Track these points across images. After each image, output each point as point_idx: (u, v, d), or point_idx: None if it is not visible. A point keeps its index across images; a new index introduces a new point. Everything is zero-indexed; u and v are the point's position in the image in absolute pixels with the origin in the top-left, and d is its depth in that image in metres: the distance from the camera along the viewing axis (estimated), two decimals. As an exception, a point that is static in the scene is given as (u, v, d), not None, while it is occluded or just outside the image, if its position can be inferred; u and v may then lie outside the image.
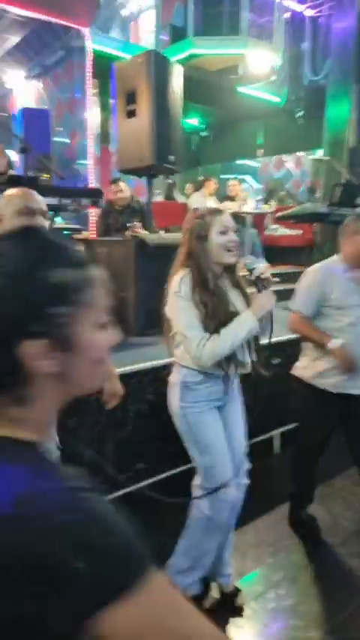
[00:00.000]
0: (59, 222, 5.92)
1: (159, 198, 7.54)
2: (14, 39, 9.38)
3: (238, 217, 6.04)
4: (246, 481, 1.90)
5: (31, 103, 10.28)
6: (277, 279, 1.79)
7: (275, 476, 3.08)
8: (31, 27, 8.41)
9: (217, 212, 1.71)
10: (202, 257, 1.65)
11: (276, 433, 3.32)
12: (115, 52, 6.32)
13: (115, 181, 4.17)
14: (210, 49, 6.65)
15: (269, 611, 1.93)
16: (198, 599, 1.86)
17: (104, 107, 7.09)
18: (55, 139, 9.23)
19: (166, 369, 2.15)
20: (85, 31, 5.12)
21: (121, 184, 4.13)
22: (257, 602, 1.97)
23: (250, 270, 1.70)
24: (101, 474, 2.07)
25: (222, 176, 10.43)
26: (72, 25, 5.38)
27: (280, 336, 3.33)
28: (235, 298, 1.74)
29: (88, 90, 5.42)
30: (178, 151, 3.46)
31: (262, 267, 1.70)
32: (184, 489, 2.11)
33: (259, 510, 2.59)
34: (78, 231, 3.95)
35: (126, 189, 4.15)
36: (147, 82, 3.15)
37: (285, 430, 3.33)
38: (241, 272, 1.79)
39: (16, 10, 5.13)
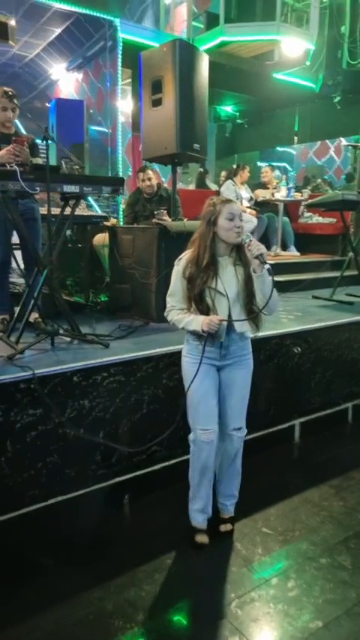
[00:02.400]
0: (94, 209, 6.04)
1: (191, 186, 7.54)
2: (57, 31, 9.52)
3: (270, 205, 5.98)
4: (239, 434, 2.20)
5: (73, 94, 10.43)
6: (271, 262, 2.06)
7: (292, 465, 3.08)
8: (73, 18, 8.53)
9: (227, 201, 2.02)
10: (207, 238, 1.98)
11: (296, 422, 3.31)
12: (147, 42, 6.31)
13: (143, 169, 4.21)
14: (241, 36, 6.52)
15: (273, 599, 1.94)
16: (195, 531, 2.21)
17: (136, 96, 7.13)
18: (97, 128, 9.37)
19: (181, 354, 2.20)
20: (116, 21, 5.13)
21: (149, 172, 4.16)
22: (261, 589, 1.98)
23: (243, 243, 1.99)
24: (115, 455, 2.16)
25: (259, 163, 10.30)
26: (103, 16, 5.41)
27: (305, 324, 3.32)
28: (230, 276, 2.03)
29: (118, 79, 5.44)
30: (203, 139, 3.45)
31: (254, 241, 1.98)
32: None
33: (272, 499, 2.61)
34: (105, 218, 4.01)
35: (154, 177, 4.18)
36: (172, 70, 3.14)
37: (305, 420, 3.32)
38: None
39: (49, 2, 5.21)
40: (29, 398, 2.15)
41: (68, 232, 4.03)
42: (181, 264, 2.05)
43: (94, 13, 5.56)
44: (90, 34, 8.41)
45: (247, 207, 5.96)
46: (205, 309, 1.99)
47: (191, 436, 2.15)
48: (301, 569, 2.10)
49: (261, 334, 2.95)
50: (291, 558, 2.17)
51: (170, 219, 3.66)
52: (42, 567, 2.08)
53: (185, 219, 3.58)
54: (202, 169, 7.15)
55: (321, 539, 2.30)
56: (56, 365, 2.30)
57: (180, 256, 2.07)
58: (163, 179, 7.04)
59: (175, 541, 2.24)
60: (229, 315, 2.02)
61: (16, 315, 2.89)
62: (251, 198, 6.11)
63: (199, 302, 1.99)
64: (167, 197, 4.11)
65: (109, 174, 6.20)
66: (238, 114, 10.30)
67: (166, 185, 4.56)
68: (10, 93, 2.88)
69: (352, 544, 2.26)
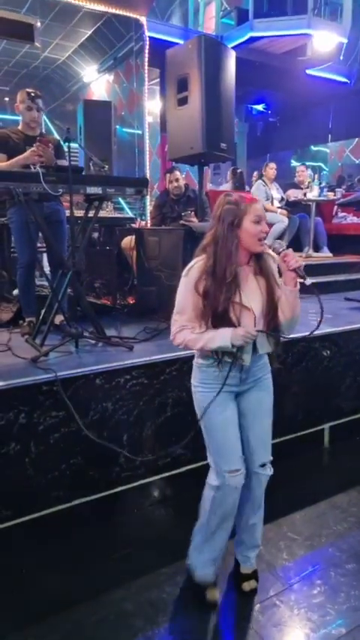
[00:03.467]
0: (125, 211, 6.09)
1: (225, 186, 7.47)
2: (87, 32, 9.65)
3: (302, 205, 5.87)
4: (266, 472, 1.88)
5: (104, 96, 10.54)
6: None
7: (321, 470, 3.01)
8: (103, 19, 8.62)
9: (251, 200, 1.69)
10: (231, 245, 1.63)
11: (326, 427, 3.22)
12: (175, 40, 6.30)
13: (170, 170, 4.20)
14: (270, 31, 6.39)
15: (296, 604, 1.90)
16: (204, 587, 1.89)
17: (164, 96, 7.12)
18: (128, 130, 9.43)
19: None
20: (142, 19, 5.13)
21: (177, 173, 4.14)
22: (284, 595, 1.94)
23: (278, 253, 1.71)
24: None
25: (293, 163, 10.12)
26: (129, 15, 5.42)
27: (334, 327, 3.23)
28: (252, 288, 1.71)
29: (145, 79, 5.45)
30: (230, 139, 3.40)
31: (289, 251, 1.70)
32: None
33: (298, 504, 2.55)
34: (132, 220, 4.03)
35: (181, 178, 4.16)
36: (198, 67, 3.10)
37: (335, 424, 3.23)
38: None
39: (77, 3, 5.25)
40: (52, 400, 2.17)
41: (95, 234, 4.07)
42: (192, 276, 1.67)
43: (121, 12, 5.57)
44: (121, 35, 8.47)
45: (279, 207, 5.88)
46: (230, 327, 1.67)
47: (214, 481, 1.79)
48: (326, 575, 2.05)
49: (288, 337, 2.92)
50: (316, 564, 2.12)
51: (197, 221, 3.64)
52: (63, 567, 2.09)
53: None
54: (239, 170, 7.07)
55: (348, 545, 2.24)
56: (79, 367, 2.31)
57: (189, 266, 1.71)
58: (195, 181, 7.02)
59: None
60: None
61: (41, 318, 2.93)
62: (282, 199, 6.01)
63: (220, 320, 1.65)
64: (195, 198, 4.09)
65: (133, 176, 6.22)
66: (270, 112, 10.15)
67: (194, 188, 4.54)
68: (32, 94, 2.92)
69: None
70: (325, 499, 2.60)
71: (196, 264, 1.69)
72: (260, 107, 10.14)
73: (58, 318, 2.91)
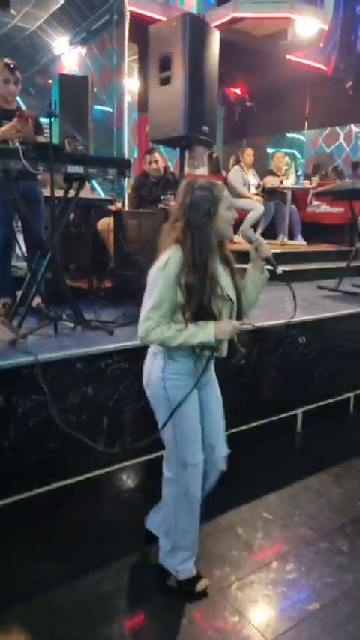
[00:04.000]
0: (97, 192, 5.96)
1: (201, 170, 7.41)
2: (59, 1, 9.27)
3: (278, 192, 5.89)
4: (221, 467, 1.87)
5: (76, 70, 10.20)
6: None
7: (294, 454, 3.10)
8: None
9: (221, 185, 1.64)
10: (207, 233, 1.58)
11: (299, 411, 3.31)
12: (156, 16, 6.11)
13: (150, 152, 4.14)
14: (252, 13, 6.29)
15: (272, 581, 1.97)
16: (192, 581, 1.87)
17: (143, 74, 6.94)
18: (100, 107, 9.16)
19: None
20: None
21: (156, 155, 4.09)
22: (261, 572, 2.01)
23: (251, 242, 1.75)
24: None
25: (270, 149, 10.10)
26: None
27: (310, 314, 3.29)
28: (224, 276, 1.69)
29: (124, 55, 5.30)
30: (213, 122, 3.35)
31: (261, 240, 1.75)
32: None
33: (273, 486, 2.62)
34: (110, 202, 3.96)
35: (160, 160, 4.11)
36: (182, 46, 3.02)
37: (307, 409, 3.32)
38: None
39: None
40: (32, 384, 2.14)
41: (71, 216, 3.98)
42: (171, 269, 1.57)
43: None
44: (94, 7, 8.18)
45: (255, 193, 5.88)
46: (210, 320, 1.63)
47: (173, 475, 1.76)
48: (300, 554, 2.13)
49: (266, 324, 2.97)
50: (291, 543, 2.20)
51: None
52: (41, 550, 2.09)
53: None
54: (215, 154, 7.01)
55: (320, 524, 2.33)
56: (59, 351, 2.28)
57: (164, 258, 1.59)
58: (170, 163, 6.92)
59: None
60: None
61: (18, 300, 2.86)
62: (259, 185, 6.02)
63: (204, 313, 1.60)
64: (174, 182, 4.04)
65: (115, 156, 6.09)
66: (247, 96, 10.05)
67: (172, 170, 4.49)
68: (11, 65, 2.80)
69: (350, 530, 2.30)
70: (298, 481, 2.69)
71: (173, 255, 1.59)
72: (238, 91, 10.02)
73: (36, 301, 2.85)
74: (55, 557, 2.06)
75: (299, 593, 1.91)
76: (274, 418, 3.14)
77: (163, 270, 1.58)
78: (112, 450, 2.36)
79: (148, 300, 1.61)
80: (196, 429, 1.75)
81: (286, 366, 3.12)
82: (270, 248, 1.74)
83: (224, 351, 1.75)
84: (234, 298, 1.70)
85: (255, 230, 5.80)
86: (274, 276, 1.76)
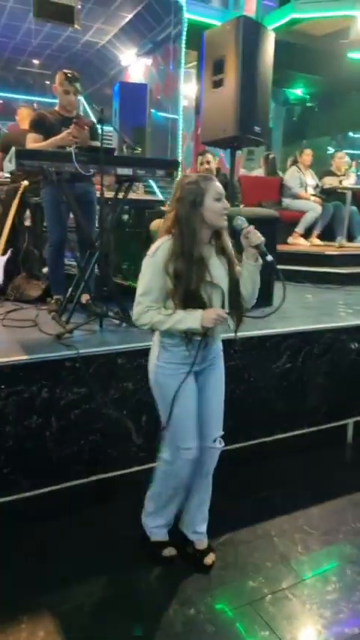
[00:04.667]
0: (156, 194, 6.07)
1: (257, 172, 7.35)
2: (128, 16, 9.61)
3: (337, 193, 5.70)
4: (218, 446, 1.92)
5: (142, 80, 10.50)
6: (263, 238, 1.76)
7: (342, 466, 2.95)
8: (144, 2, 8.55)
9: (210, 178, 1.72)
10: (193, 223, 1.65)
11: (350, 422, 3.16)
12: (215, 22, 6.15)
13: (202, 153, 4.15)
14: (313, 12, 6.16)
15: (308, 599, 1.87)
16: (161, 545, 1.98)
17: (200, 79, 7.01)
18: (162, 113, 9.37)
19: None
20: (181, 1, 5.02)
21: (208, 156, 4.09)
22: (296, 588, 1.92)
23: (240, 230, 1.76)
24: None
25: (330, 150, 9.83)
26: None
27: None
28: (217, 266, 1.74)
29: (182, 62, 5.36)
30: (265, 122, 3.32)
31: (250, 227, 1.74)
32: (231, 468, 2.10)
33: (317, 498, 2.51)
34: (162, 203, 4.00)
35: (213, 161, 4.11)
36: (235, 49, 3.04)
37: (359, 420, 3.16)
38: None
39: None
40: (74, 376, 2.19)
41: (125, 216, 4.07)
42: (159, 257, 1.66)
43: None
44: (160, 18, 8.41)
45: (312, 194, 5.74)
46: (200, 307, 1.68)
47: (167, 456, 1.87)
48: (342, 573, 2.01)
49: (313, 327, 2.87)
50: (332, 560, 2.08)
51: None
52: (75, 539, 2.13)
53: (242, 206, 3.49)
54: (272, 155, 6.92)
55: (366, 544, 2.18)
56: (102, 346, 2.33)
57: (154, 246, 1.69)
58: (228, 166, 6.91)
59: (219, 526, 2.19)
60: (223, 308, 1.76)
61: (68, 296, 2.95)
62: (317, 186, 5.87)
63: (192, 299, 1.66)
64: (226, 183, 4.03)
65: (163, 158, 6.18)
66: (308, 97, 9.84)
67: (225, 172, 4.48)
68: (70, 75, 2.91)
69: None
70: (345, 495, 2.55)
71: (163, 244, 1.67)
72: (299, 91, 9.84)
73: (85, 297, 2.93)
74: (91, 548, 2.09)
75: (337, 614, 1.79)
76: (322, 427, 3.02)
77: (152, 258, 1.68)
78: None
79: (139, 287, 1.71)
80: (189, 414, 1.81)
81: (335, 373, 3.00)
82: (261, 236, 1.74)
83: (216, 335, 1.81)
84: (224, 286, 1.74)
85: (312, 231, 5.65)
86: (268, 266, 1.77)
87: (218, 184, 1.70)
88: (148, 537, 2.02)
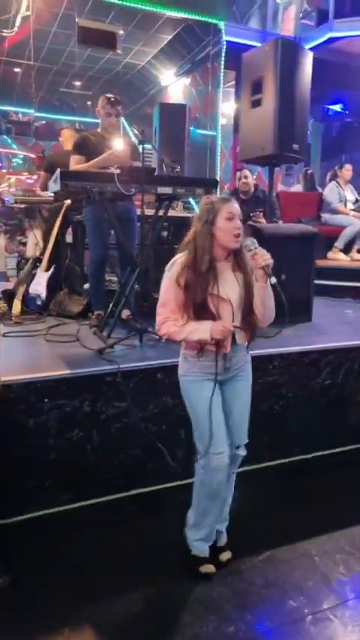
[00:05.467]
0: (194, 211, 6.14)
1: (296, 187, 7.34)
2: (167, 38, 9.87)
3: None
4: (241, 453, 1.99)
5: (181, 99, 10.72)
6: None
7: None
8: (183, 25, 8.78)
9: (226, 200, 1.81)
10: (205, 240, 1.76)
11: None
12: (253, 43, 6.26)
13: (240, 169, 4.20)
14: (350, 31, 6.18)
15: (350, 620, 1.82)
16: (199, 561, 1.98)
17: (239, 98, 7.11)
18: (201, 131, 9.54)
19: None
20: (221, 24, 5.15)
21: (246, 172, 4.14)
22: (338, 610, 1.87)
23: (249, 251, 1.82)
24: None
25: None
26: (209, 20, 5.47)
27: None
28: (230, 281, 1.83)
29: (221, 81, 5.46)
30: (303, 140, 3.34)
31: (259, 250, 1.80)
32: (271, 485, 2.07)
33: (358, 518, 2.44)
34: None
35: (250, 176, 4.15)
36: (273, 70, 3.09)
37: None
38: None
39: (155, 9, 5.37)
40: (114, 390, 2.25)
41: (164, 233, 4.15)
42: (173, 270, 1.80)
43: (202, 18, 5.65)
44: (199, 39, 8.59)
45: (352, 209, 5.68)
46: (209, 319, 1.78)
47: (202, 461, 1.92)
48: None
49: (354, 343, 2.83)
50: (374, 583, 2.02)
51: (266, 222, 3.61)
52: (113, 554, 2.14)
53: (280, 222, 3.50)
54: (310, 171, 6.91)
55: None
56: (142, 361, 2.38)
57: (172, 261, 1.83)
58: (266, 182, 6.93)
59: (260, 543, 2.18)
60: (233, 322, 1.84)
61: (109, 312, 3.02)
62: (357, 200, 5.80)
63: (200, 311, 1.78)
64: (264, 199, 4.06)
65: (202, 176, 6.26)
66: (347, 112, 9.79)
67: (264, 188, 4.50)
68: (112, 99, 3.03)
69: None
70: (388, 515, 2.48)
71: (178, 259, 1.81)
72: (337, 107, 9.81)
73: (125, 313, 3.00)
74: (130, 561, 2.11)
75: (379, 636, 1.76)
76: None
77: (169, 272, 1.82)
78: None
79: (160, 299, 1.85)
80: (215, 421, 1.86)
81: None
82: (269, 257, 1.79)
83: (227, 347, 1.84)
84: (234, 301, 1.81)
85: (351, 246, 5.58)
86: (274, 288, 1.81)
87: (233, 206, 1.80)
88: (190, 550, 2.05)
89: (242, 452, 2.00)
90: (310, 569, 2.08)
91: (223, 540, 2.11)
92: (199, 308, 1.77)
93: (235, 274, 1.85)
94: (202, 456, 1.91)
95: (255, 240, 1.83)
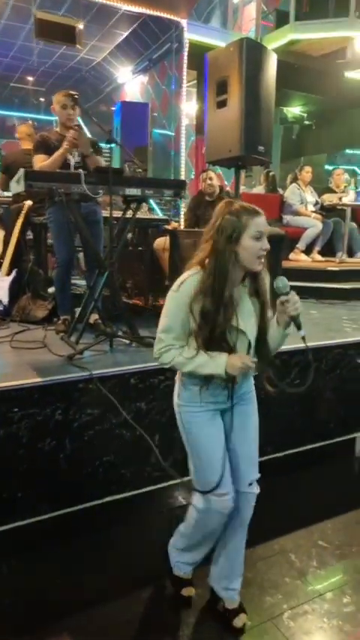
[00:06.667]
0: (155, 212, 6.13)
1: (257, 189, 7.44)
2: (124, 33, 9.74)
3: (337, 210, 5.78)
4: (254, 490, 1.73)
5: (138, 97, 10.63)
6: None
7: (352, 480, 2.96)
8: (140, 20, 8.68)
9: (253, 212, 1.50)
10: (229, 261, 1.48)
11: (358, 435, 3.17)
12: (214, 42, 6.29)
13: (205, 171, 4.21)
14: (311, 34, 6.32)
15: (327, 613, 1.88)
16: (180, 582, 1.89)
17: (201, 98, 7.14)
18: (160, 131, 9.49)
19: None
20: (183, 22, 5.14)
21: (211, 173, 4.15)
22: (315, 603, 1.92)
23: (281, 293, 1.56)
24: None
25: (327, 167, 9.99)
26: (170, 17, 5.46)
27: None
28: (247, 311, 1.58)
29: (183, 81, 5.46)
30: (268, 142, 3.37)
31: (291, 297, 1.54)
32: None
33: (329, 512, 2.52)
34: (166, 222, 4.05)
35: (215, 178, 4.17)
36: (238, 70, 3.09)
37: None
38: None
39: (116, 4, 5.29)
40: (87, 397, 2.21)
41: (129, 235, 4.11)
42: (185, 292, 1.50)
43: (161, 15, 5.61)
44: (157, 36, 8.52)
45: (313, 211, 5.82)
46: (220, 351, 1.53)
47: (199, 503, 1.67)
48: (358, 586, 2.02)
49: (322, 343, 2.90)
50: (347, 574, 2.09)
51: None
52: (91, 562, 2.12)
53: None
54: (272, 173, 7.03)
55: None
56: (114, 366, 2.34)
57: (180, 279, 1.53)
58: (227, 183, 6.99)
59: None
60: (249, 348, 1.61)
61: (77, 316, 2.97)
62: (317, 202, 5.95)
63: (217, 343, 1.51)
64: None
65: (172, 178, 6.25)
66: (305, 115, 10.03)
67: (228, 189, 4.54)
68: (68, 92, 2.97)
69: None
70: (357, 509, 2.56)
71: (190, 278, 1.51)
72: (296, 110, 10.03)
73: (93, 317, 2.95)
74: (104, 571, 2.08)
75: (356, 627, 1.81)
76: (331, 441, 3.03)
77: (177, 293, 1.52)
78: (176, 458, 2.33)
79: (161, 322, 1.58)
80: (216, 457, 1.64)
81: (343, 388, 3.02)
82: (300, 307, 1.55)
83: (238, 379, 1.62)
84: (251, 335, 1.57)
85: (312, 248, 5.72)
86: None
87: (262, 220, 1.51)
88: (171, 568, 1.91)
89: (256, 489, 1.74)
90: (286, 566, 2.12)
91: (236, 602, 1.80)
92: (216, 340, 1.51)
93: (252, 301, 1.59)
94: (201, 496, 1.67)
95: (286, 281, 1.55)
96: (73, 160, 2.95)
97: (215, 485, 1.62)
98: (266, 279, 1.59)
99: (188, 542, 1.82)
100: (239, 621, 1.77)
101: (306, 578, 2.06)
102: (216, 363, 1.50)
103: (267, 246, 1.51)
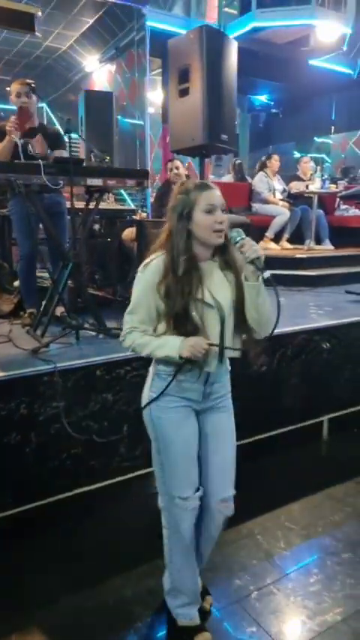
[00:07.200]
0: (127, 203, 6.09)
1: (226, 178, 7.46)
2: (89, 21, 9.57)
3: (304, 197, 5.85)
4: (226, 512, 1.62)
5: (106, 86, 10.48)
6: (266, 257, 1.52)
7: (318, 462, 3.04)
8: (105, 7, 8.54)
9: (203, 187, 1.48)
10: (181, 238, 1.45)
11: (325, 419, 3.25)
12: (178, 30, 6.23)
13: (171, 160, 4.20)
14: (273, 21, 6.33)
15: (292, 592, 1.93)
16: (190, 631, 1.68)
17: (166, 86, 7.08)
18: (129, 120, 9.39)
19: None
20: (144, 9, 5.08)
21: (177, 162, 4.14)
22: (281, 583, 1.98)
23: (235, 243, 1.49)
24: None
25: (296, 154, 10.07)
26: (130, 4, 5.38)
27: (335, 319, 3.24)
28: (218, 284, 1.53)
29: (147, 69, 5.41)
30: (232, 130, 3.39)
31: (246, 242, 1.48)
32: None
33: (296, 494, 2.58)
34: (133, 212, 4.03)
35: (181, 167, 4.16)
36: (199, 58, 3.08)
37: (333, 416, 3.25)
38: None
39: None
40: (52, 391, 2.19)
41: (96, 226, 4.07)
42: (148, 272, 1.49)
43: (124, 2, 5.53)
44: (122, 24, 8.40)
45: (280, 199, 5.86)
46: (191, 330, 1.45)
47: (164, 505, 1.63)
48: (323, 564, 2.08)
49: (288, 329, 2.94)
50: (313, 553, 2.16)
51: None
52: (63, 555, 2.13)
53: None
54: (239, 161, 7.05)
55: (344, 534, 2.27)
56: (80, 359, 2.33)
57: (145, 262, 1.52)
58: (197, 173, 6.96)
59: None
60: (222, 334, 1.50)
61: (42, 309, 2.94)
62: (284, 190, 6.00)
63: (183, 320, 1.45)
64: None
65: (132, 167, 6.20)
66: (272, 103, 10.06)
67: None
68: (23, 80, 2.90)
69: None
70: (322, 490, 2.63)
71: (154, 260, 1.50)
72: (263, 98, 10.05)
73: (59, 310, 2.92)
74: (77, 562, 2.09)
75: (320, 604, 1.86)
76: (299, 426, 3.10)
77: (142, 274, 1.51)
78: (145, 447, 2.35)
79: (130, 305, 1.55)
80: (187, 458, 1.56)
81: (309, 373, 3.08)
82: (259, 248, 1.47)
83: (212, 366, 1.52)
84: (223, 307, 1.51)
85: (281, 236, 5.77)
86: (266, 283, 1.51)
87: (213, 193, 1.47)
88: (175, 621, 1.70)
89: (229, 511, 1.61)
90: (253, 548, 2.18)
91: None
92: (181, 317, 1.45)
93: (225, 274, 1.54)
94: (164, 497, 1.61)
95: (241, 231, 1.50)
96: (20, 142, 2.86)
97: (181, 489, 1.56)
98: (237, 252, 1.52)
99: (171, 571, 1.70)
100: (206, 604, 1.80)
101: (273, 559, 2.11)
102: (171, 345, 1.45)
103: (221, 218, 1.47)
